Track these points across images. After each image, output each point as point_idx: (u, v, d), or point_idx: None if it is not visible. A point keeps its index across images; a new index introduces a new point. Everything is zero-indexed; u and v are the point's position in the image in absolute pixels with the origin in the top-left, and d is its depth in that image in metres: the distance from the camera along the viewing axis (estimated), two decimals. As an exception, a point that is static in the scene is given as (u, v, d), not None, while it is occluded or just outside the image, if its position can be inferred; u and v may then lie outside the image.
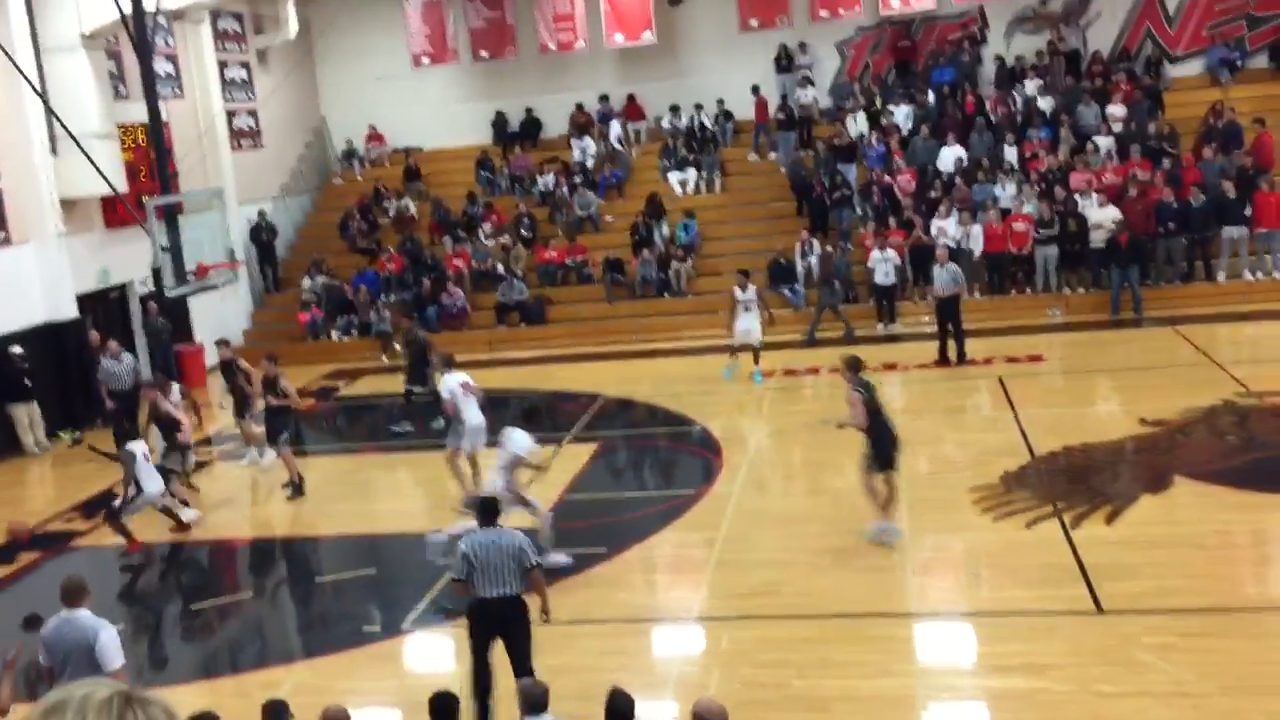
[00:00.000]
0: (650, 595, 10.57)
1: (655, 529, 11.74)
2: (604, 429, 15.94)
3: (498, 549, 7.77)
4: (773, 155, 23.90)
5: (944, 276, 17.12)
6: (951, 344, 17.08)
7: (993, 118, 22.71)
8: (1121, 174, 20.70)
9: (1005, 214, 20.40)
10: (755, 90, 24.05)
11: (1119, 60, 23.61)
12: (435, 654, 9.83)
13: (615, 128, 24.79)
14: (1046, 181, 20.81)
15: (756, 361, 17.14)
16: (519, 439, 10.90)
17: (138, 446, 12.35)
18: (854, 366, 10.89)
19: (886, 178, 21.91)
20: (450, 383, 12.85)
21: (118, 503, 12.46)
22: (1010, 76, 23.60)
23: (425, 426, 15.59)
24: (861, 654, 8.62)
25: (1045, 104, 22.75)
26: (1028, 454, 12.75)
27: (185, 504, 13.28)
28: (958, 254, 20.13)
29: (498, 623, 7.79)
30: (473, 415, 12.78)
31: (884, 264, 19.49)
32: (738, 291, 16.99)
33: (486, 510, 8.19)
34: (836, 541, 10.77)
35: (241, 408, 14.99)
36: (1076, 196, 20.24)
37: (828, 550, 10.60)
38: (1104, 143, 21.48)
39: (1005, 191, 20.94)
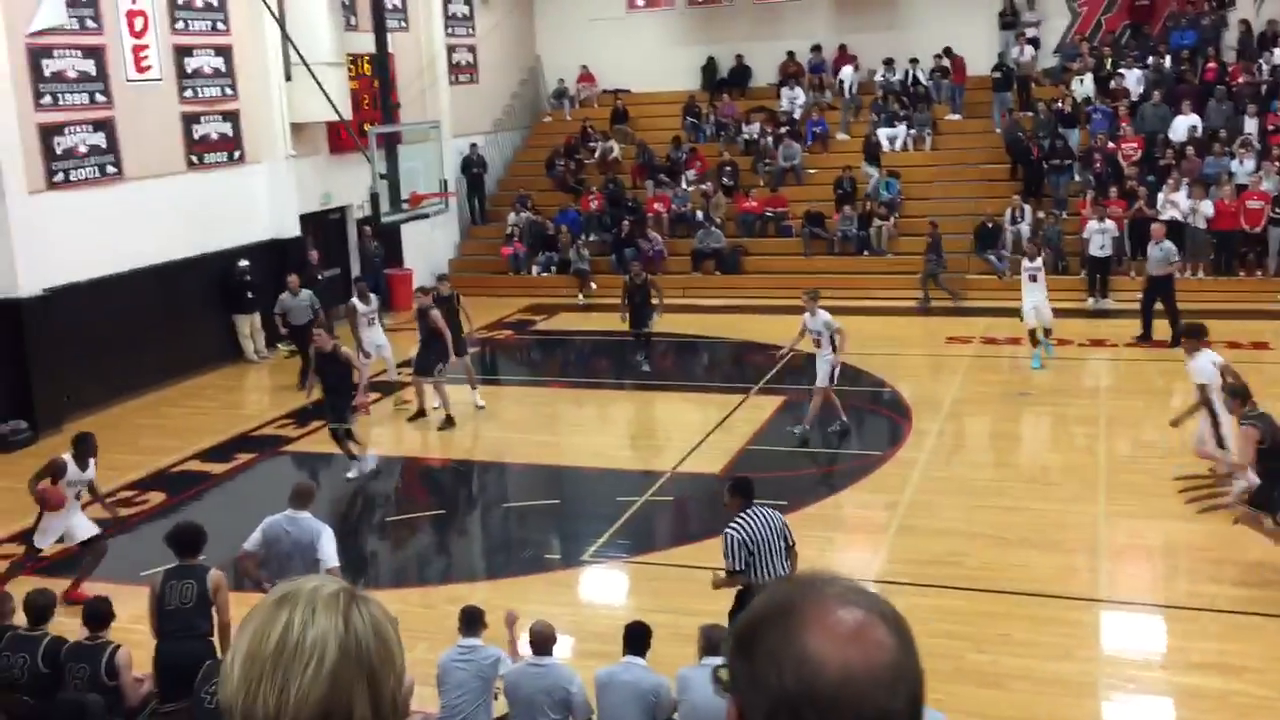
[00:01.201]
0: (827, 553, 10.48)
1: (838, 488, 11.66)
2: (791, 383, 15.83)
3: (768, 530, 7.27)
4: (953, 116, 23.00)
5: (1157, 254, 16.28)
6: (1159, 324, 16.16)
7: (1234, 87, 21.21)
8: (1377, 154, 19.06)
9: (1240, 190, 19.10)
10: (947, 52, 23.32)
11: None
12: (611, 585, 10.08)
13: (848, 73, 24.21)
14: (1289, 158, 19.37)
15: (1046, 336, 15.64)
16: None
17: None
18: (1242, 396, 9.36)
19: (1110, 144, 20.80)
20: (826, 317, 12.83)
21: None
22: (1259, 43, 21.95)
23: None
24: (1043, 634, 8.38)
25: (1296, 74, 21.09)
26: (1242, 446, 12.01)
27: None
28: (1183, 229, 19.03)
29: None
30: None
31: (1101, 235, 18.55)
32: (1025, 261, 15.86)
33: (747, 492, 7.51)
34: (1023, 517, 10.45)
35: (459, 345, 14.53)
36: (1322, 176, 18.78)
37: (1014, 525, 10.29)
38: (1360, 119, 19.80)
39: (1242, 166, 19.59)
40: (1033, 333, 15.69)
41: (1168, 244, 16.45)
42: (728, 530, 7.31)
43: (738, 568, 7.19)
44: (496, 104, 25.79)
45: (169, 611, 7.03)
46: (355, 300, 15.18)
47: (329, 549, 7.57)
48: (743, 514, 7.31)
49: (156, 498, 12.23)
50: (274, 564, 7.70)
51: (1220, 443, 10.08)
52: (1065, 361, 16.14)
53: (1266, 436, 8.97)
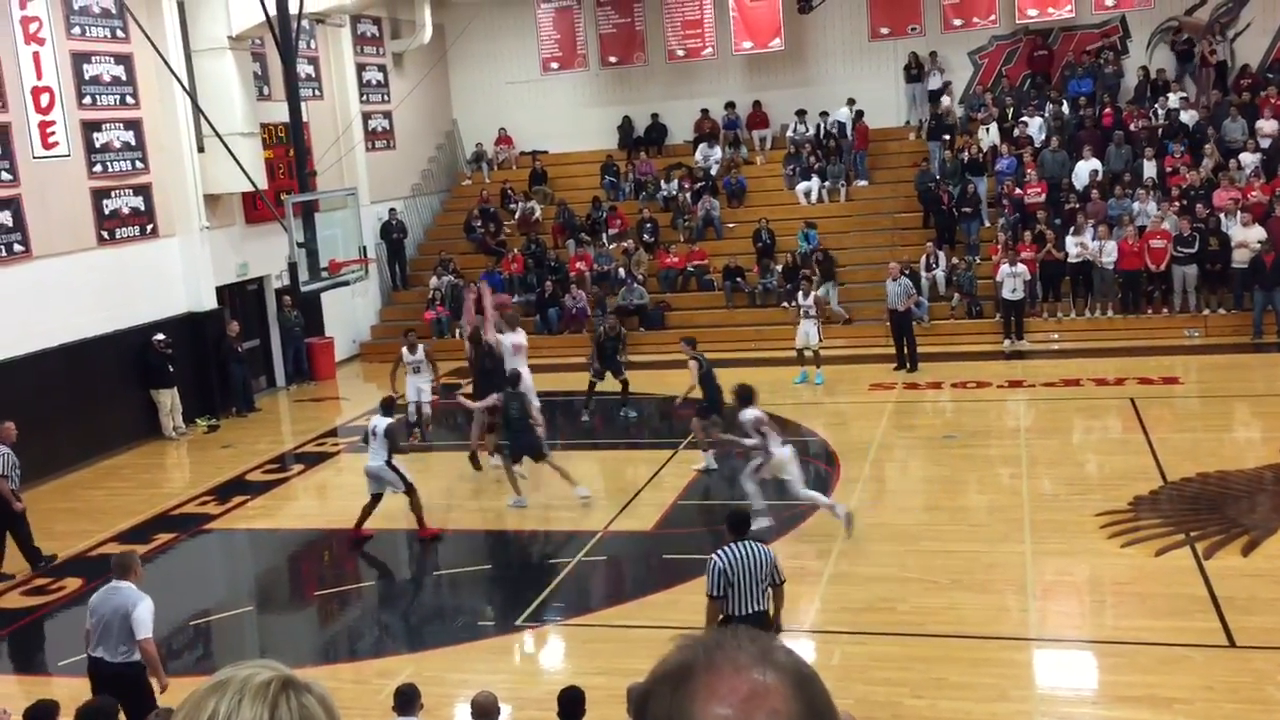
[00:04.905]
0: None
1: (769, 539, 11.65)
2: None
3: (751, 564, 7.62)
4: (860, 183, 23.51)
5: (896, 290, 17.93)
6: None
7: (1131, 131, 22.00)
8: (1268, 192, 19.84)
9: (1143, 230, 19.75)
10: (859, 114, 23.76)
11: (1269, 72, 22.63)
12: (548, 650, 9.95)
13: (845, 112, 24.20)
14: (1188, 198, 20.08)
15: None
16: None
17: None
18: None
19: (1017, 190, 21.40)
20: None
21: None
22: (1152, 89, 22.83)
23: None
24: (978, 676, 8.44)
25: (1188, 118, 21.94)
26: (1160, 479, 12.31)
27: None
28: (1091, 270, 19.65)
29: None
30: None
31: (1013, 279, 19.04)
32: (800, 297, 17.83)
33: (736, 526, 7.95)
34: (954, 560, 10.56)
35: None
36: (1220, 215, 19.49)
37: (944, 568, 10.39)
38: (1250, 159, 20.62)
39: (1144, 207, 20.27)
40: (800, 352, 17.52)
41: (905, 280, 18.04)
42: (712, 556, 7.69)
43: (715, 594, 7.53)
44: (414, 169, 25.79)
45: None
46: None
47: (141, 617, 7.57)
48: (730, 545, 7.67)
49: (73, 584, 11.85)
50: (93, 632, 7.79)
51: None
52: (986, 403, 16.45)
53: None
